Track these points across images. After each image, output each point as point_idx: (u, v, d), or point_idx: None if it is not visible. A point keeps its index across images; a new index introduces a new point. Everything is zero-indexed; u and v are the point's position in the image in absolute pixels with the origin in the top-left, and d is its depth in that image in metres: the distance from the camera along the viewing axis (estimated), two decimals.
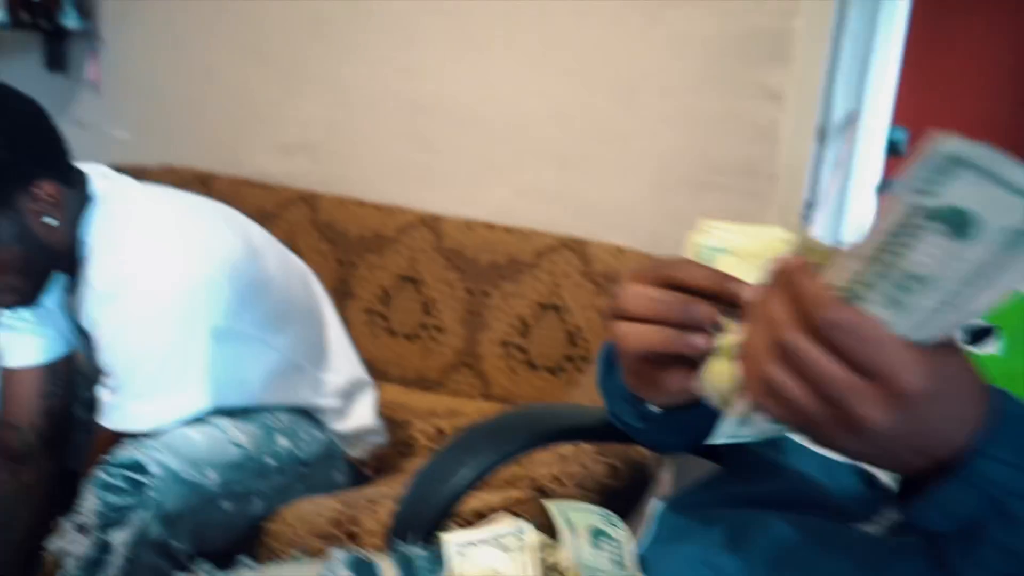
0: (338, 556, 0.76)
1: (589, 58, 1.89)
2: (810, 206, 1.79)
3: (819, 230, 1.84)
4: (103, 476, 1.12)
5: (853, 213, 1.91)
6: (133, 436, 1.18)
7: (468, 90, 2.01)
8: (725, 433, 0.55)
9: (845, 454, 0.49)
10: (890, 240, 0.42)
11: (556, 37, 1.91)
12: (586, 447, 1.18)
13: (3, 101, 1.14)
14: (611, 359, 0.74)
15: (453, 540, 0.73)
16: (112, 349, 1.19)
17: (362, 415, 1.48)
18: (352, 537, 1.11)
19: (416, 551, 0.79)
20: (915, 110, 1.98)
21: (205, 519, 1.20)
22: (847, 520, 0.67)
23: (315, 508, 1.22)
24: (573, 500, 0.81)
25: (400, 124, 2.09)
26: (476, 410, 1.79)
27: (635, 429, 0.75)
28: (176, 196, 1.32)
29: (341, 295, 1.95)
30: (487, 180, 2.02)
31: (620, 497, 1.15)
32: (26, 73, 2.36)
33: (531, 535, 0.73)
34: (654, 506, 0.80)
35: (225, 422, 1.27)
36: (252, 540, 1.25)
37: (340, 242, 2.01)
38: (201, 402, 1.23)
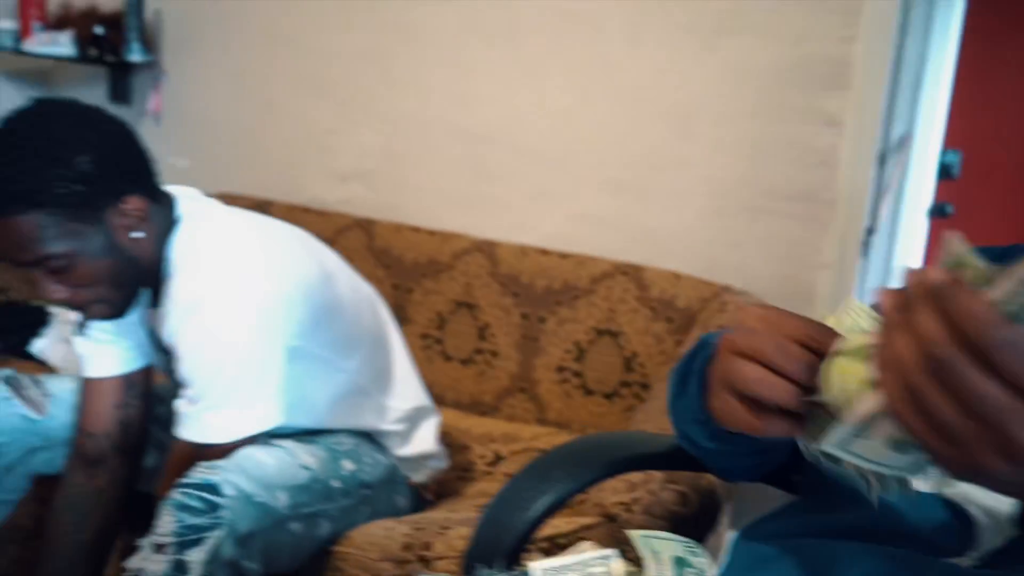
0: None
1: (644, 86, 1.90)
2: (870, 232, 1.78)
3: (875, 255, 1.82)
4: (180, 497, 1.14)
5: (905, 237, 1.89)
6: (207, 456, 1.21)
7: (523, 118, 2.03)
8: (835, 441, 0.54)
9: (985, 479, 0.48)
10: None
11: (611, 65, 1.93)
12: (655, 474, 1.18)
13: (94, 120, 1.20)
14: (684, 380, 0.74)
15: (539, 567, 0.74)
16: (191, 361, 1.22)
17: (424, 440, 1.50)
18: (424, 561, 1.11)
19: None
20: (967, 132, 1.96)
21: (275, 540, 1.22)
22: (937, 553, 0.66)
23: (385, 532, 1.23)
24: (642, 528, 0.81)
25: (456, 152, 2.12)
26: (532, 435, 1.79)
27: (706, 451, 0.75)
28: (257, 219, 1.37)
29: (397, 320, 1.96)
30: (541, 207, 2.04)
31: (689, 524, 1.14)
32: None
33: (617, 563, 0.74)
34: (727, 535, 0.80)
35: (293, 445, 1.30)
36: (320, 563, 1.27)
37: (396, 268, 2.04)
38: (273, 418, 1.26)
